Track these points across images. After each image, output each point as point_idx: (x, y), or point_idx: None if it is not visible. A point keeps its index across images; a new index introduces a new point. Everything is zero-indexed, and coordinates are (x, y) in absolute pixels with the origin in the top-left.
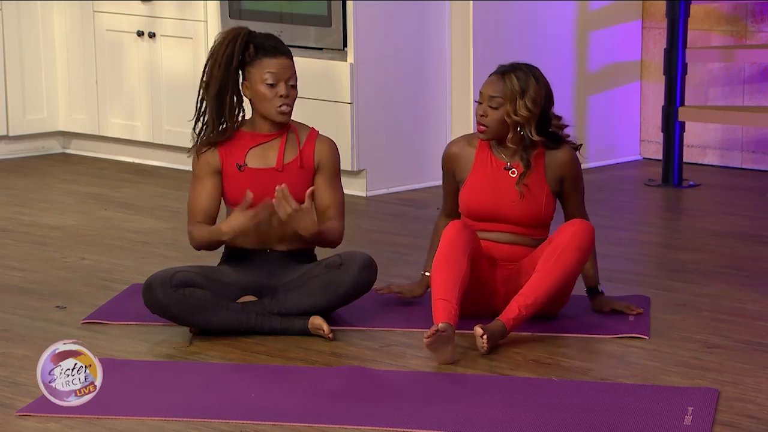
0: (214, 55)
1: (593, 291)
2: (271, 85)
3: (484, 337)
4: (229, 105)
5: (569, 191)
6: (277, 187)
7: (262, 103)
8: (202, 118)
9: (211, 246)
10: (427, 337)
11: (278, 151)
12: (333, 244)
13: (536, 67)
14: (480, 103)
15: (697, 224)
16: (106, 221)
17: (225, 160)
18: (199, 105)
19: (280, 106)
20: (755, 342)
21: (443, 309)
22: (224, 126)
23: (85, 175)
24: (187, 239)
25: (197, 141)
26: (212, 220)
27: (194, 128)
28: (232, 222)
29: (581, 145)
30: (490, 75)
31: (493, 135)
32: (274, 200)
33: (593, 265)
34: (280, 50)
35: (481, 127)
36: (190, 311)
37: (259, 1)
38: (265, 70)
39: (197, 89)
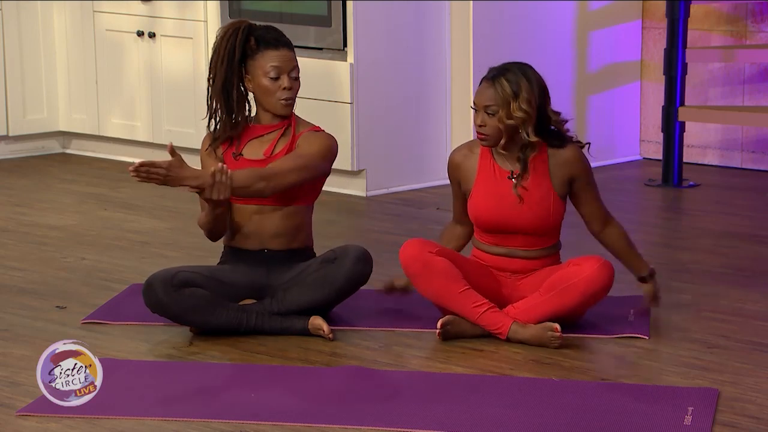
0: (216, 51)
1: (642, 279)
2: (274, 78)
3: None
4: (237, 99)
5: (581, 190)
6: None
7: (265, 95)
8: (215, 116)
9: (209, 224)
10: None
11: (271, 142)
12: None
13: (527, 65)
14: (476, 111)
15: (697, 224)
16: (106, 221)
17: (226, 150)
18: (209, 102)
19: (284, 98)
20: (755, 342)
21: (495, 314)
22: (237, 120)
23: (85, 175)
24: (187, 239)
25: (214, 136)
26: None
27: (208, 126)
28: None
29: (588, 143)
30: (481, 81)
31: (494, 142)
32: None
33: (634, 257)
34: (282, 42)
35: (482, 135)
36: (191, 311)
37: (259, 1)
38: (268, 63)
39: (198, 89)
